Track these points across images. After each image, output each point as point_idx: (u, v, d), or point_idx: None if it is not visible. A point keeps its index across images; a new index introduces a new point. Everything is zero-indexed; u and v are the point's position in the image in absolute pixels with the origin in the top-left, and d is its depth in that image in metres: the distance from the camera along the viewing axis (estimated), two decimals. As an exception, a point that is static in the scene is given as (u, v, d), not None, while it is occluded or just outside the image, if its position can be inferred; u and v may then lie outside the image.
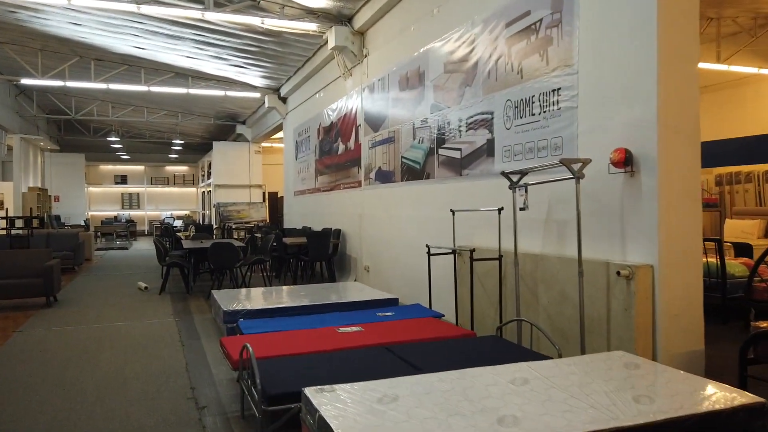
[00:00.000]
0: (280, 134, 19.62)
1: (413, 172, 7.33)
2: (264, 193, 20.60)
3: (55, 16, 9.85)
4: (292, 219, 14.03)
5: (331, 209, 10.89)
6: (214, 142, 20.19)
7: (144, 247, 19.76)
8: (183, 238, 12.98)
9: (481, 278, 5.34)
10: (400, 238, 7.79)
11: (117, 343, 5.76)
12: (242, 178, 20.18)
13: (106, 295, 8.82)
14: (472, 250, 4.93)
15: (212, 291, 7.12)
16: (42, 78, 12.60)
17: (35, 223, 10.19)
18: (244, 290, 7.15)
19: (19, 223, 10.19)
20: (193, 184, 28.27)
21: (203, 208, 25.63)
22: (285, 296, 6.67)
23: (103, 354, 5.31)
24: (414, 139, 7.29)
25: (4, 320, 7.00)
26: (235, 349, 3.94)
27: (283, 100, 14.51)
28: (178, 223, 22.47)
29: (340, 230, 10.00)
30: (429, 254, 5.66)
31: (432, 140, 6.83)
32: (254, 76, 13.27)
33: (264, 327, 4.87)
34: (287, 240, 9.75)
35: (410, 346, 3.97)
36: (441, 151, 6.62)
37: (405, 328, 4.59)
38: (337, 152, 10.45)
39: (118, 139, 22.09)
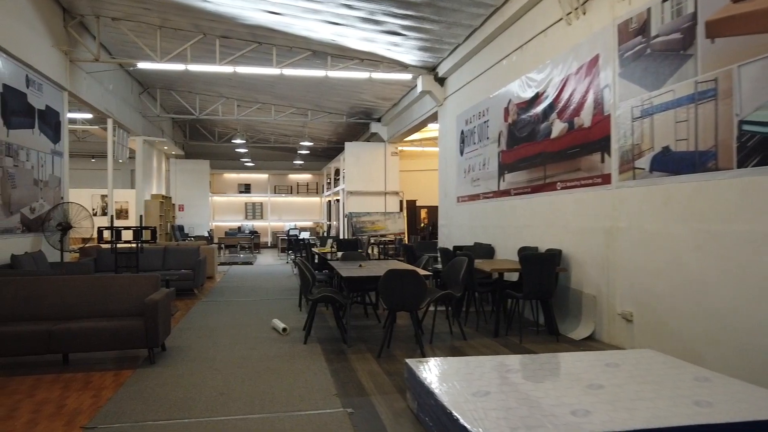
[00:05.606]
0: (423, 134, 16.70)
1: (788, 147, 3.82)
2: (401, 202, 17.74)
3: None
4: (454, 233, 10.88)
5: (532, 220, 7.57)
6: (346, 143, 17.68)
7: (268, 261, 17.64)
8: (319, 254, 10.30)
9: None
10: (730, 276, 4.26)
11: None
12: (377, 184, 17.46)
13: (232, 342, 6.12)
14: None
15: (407, 361, 4.07)
16: (161, 61, 10.56)
17: (147, 235, 7.86)
18: (452, 362, 4.04)
19: (128, 235, 7.91)
20: (317, 193, 26.28)
21: (329, 219, 23.41)
22: (552, 385, 3.42)
23: None
24: (792, 82, 3.78)
25: (81, 392, 4.40)
26: None
27: (441, 81, 11.47)
28: (305, 234, 20.26)
29: (560, 252, 6.62)
30: None
31: None
32: (409, 48, 10.34)
33: None
34: (484, 265, 6.55)
35: None
36: None
37: None
38: (547, 136, 7.13)
39: (244, 141, 20.36)
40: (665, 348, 4.91)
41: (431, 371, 3.78)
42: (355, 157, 17.41)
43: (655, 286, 5.14)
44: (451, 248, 8.37)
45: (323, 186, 25.38)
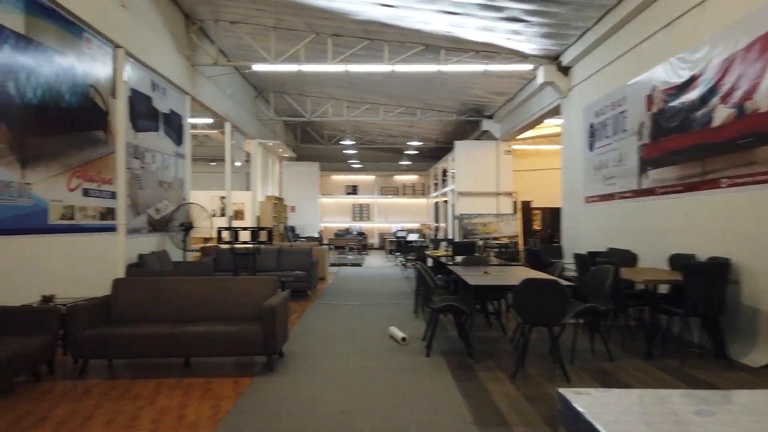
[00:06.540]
0: (536, 131, 15.68)
1: None
2: (515, 203, 16.80)
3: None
4: (581, 236, 9.90)
5: (685, 223, 6.54)
6: (456, 142, 17.06)
7: (377, 263, 17.47)
8: (433, 257, 9.80)
9: None
10: None
11: None
12: (488, 185, 16.66)
13: (349, 350, 5.77)
14: None
15: (559, 391, 3.37)
16: (275, 62, 10.60)
17: (263, 235, 7.77)
18: (619, 395, 3.27)
19: (245, 235, 7.87)
20: (423, 194, 25.87)
21: (436, 220, 22.89)
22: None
23: None
24: None
25: (201, 400, 4.21)
26: None
27: (564, 71, 10.54)
28: (412, 236, 19.89)
29: (728, 261, 5.59)
30: None
31: None
32: (530, 36, 9.55)
33: None
34: (633, 275, 5.69)
35: None
36: None
37: None
38: (707, 124, 6.09)
39: (353, 142, 20.39)
40: None
41: (594, 406, 3.10)
42: (466, 157, 16.74)
43: None
44: (582, 253, 7.50)
45: (430, 187, 24.92)
